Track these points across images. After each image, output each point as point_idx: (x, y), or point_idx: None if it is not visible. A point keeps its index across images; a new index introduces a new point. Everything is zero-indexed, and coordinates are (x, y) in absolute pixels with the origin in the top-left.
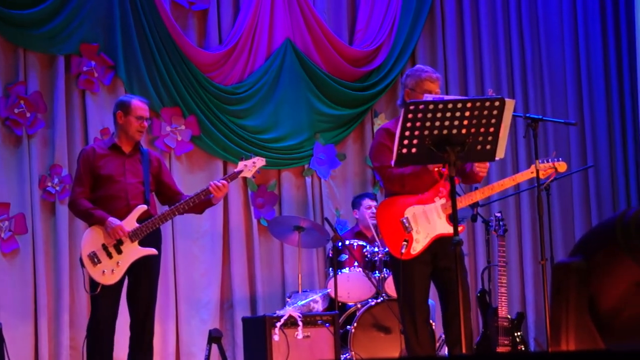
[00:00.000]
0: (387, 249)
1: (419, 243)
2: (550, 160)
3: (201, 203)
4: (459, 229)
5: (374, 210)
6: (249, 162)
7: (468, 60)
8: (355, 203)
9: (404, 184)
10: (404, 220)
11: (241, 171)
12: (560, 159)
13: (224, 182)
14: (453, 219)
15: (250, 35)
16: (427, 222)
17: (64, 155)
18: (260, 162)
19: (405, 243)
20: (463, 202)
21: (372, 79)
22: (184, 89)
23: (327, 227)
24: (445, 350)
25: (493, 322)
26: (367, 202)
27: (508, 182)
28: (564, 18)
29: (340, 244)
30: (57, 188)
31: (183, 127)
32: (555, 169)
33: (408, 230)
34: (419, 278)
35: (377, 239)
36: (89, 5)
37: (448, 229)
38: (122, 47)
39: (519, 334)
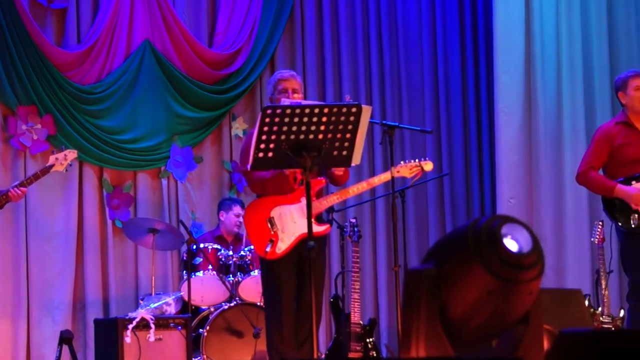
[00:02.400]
0: (249, 251)
1: (284, 242)
2: (416, 159)
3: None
4: (325, 227)
5: (242, 220)
6: (60, 156)
7: (327, 65)
8: (225, 205)
9: (264, 187)
10: (270, 220)
11: (52, 165)
12: (427, 158)
13: (23, 189)
14: (308, 223)
15: (109, 35)
16: (293, 222)
17: None
18: (71, 154)
19: (270, 242)
20: (324, 204)
21: (231, 82)
22: (40, 88)
23: (182, 229)
24: None
25: (345, 327)
26: (238, 209)
27: (369, 184)
28: (423, 26)
29: (194, 247)
30: None
31: (39, 125)
32: (422, 167)
33: (273, 230)
34: (286, 280)
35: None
36: None
37: (315, 228)
38: None
39: (371, 340)
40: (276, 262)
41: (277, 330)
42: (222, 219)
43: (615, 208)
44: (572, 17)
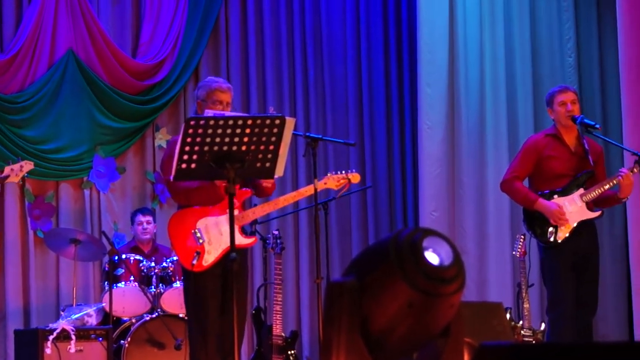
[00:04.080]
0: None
1: (211, 254)
2: (343, 171)
3: None
4: (251, 240)
5: (145, 226)
6: (15, 167)
7: (251, 77)
8: (132, 219)
9: (189, 197)
10: (196, 232)
11: (7, 176)
12: (353, 170)
13: None
14: (230, 234)
15: (32, 44)
16: (219, 234)
17: None
18: (27, 166)
19: (196, 254)
20: (250, 216)
21: (155, 93)
22: None
23: (104, 240)
24: None
25: (267, 339)
26: (139, 217)
27: (294, 197)
28: (347, 38)
29: (116, 258)
30: None
31: None
32: (349, 179)
33: (200, 242)
34: (212, 293)
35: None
36: None
37: (241, 241)
38: None
39: (292, 352)
40: (201, 274)
41: (201, 346)
42: (132, 232)
43: (535, 221)
44: (495, 31)
